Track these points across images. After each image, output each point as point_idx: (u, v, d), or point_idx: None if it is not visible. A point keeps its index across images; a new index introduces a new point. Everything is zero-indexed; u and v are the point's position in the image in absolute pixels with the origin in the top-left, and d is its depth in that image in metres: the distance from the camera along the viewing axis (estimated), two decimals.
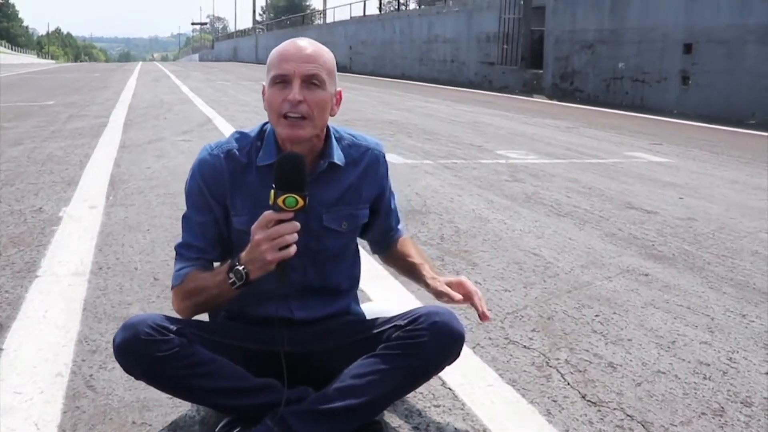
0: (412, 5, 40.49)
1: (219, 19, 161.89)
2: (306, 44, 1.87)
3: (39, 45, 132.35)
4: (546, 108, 14.12)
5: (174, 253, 1.98)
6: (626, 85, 14.83)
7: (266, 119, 1.93)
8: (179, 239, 1.96)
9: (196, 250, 1.94)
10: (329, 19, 40.58)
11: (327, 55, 1.88)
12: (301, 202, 1.73)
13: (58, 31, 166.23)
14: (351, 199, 1.98)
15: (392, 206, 2.16)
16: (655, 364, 2.49)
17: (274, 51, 1.89)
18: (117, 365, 2.33)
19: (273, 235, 1.73)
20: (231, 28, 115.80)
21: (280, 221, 1.73)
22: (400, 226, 2.23)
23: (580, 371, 2.42)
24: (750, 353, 2.62)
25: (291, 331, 1.95)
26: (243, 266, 1.79)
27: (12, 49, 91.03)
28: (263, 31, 55.62)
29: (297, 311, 1.98)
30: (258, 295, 1.92)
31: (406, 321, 1.88)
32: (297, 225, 1.75)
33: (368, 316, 2.09)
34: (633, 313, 2.99)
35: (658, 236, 4.24)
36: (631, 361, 2.52)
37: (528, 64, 18.73)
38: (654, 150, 8.13)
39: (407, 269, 2.18)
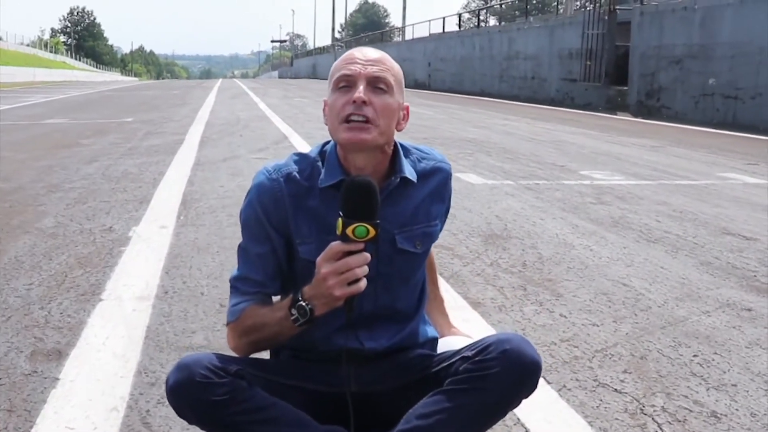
0: (492, 22, 40.23)
1: (298, 36, 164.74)
2: (372, 51, 1.74)
3: (123, 63, 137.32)
4: (631, 126, 13.65)
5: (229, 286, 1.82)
6: (717, 102, 14.22)
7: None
8: (235, 271, 1.80)
9: (254, 284, 1.77)
10: (408, 36, 40.64)
11: (394, 62, 1.75)
12: (372, 232, 1.55)
13: (141, 49, 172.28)
14: (423, 216, 1.80)
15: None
16: (765, 415, 2.21)
17: (338, 60, 1.76)
18: None
19: (341, 269, 1.57)
20: (310, 45, 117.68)
21: (349, 253, 1.57)
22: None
23: (680, 421, 2.16)
24: None
25: (358, 367, 1.77)
26: (307, 302, 1.63)
27: (97, 67, 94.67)
28: (342, 48, 56.19)
29: (367, 341, 1.79)
30: (323, 329, 1.75)
31: (474, 351, 1.66)
32: (367, 257, 1.58)
33: (441, 349, 1.89)
34: (736, 354, 2.69)
35: (760, 266, 3.90)
36: (737, 410, 2.24)
37: (612, 80, 18.22)
38: (750, 171, 7.67)
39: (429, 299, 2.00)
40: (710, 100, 14.43)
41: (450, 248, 4.13)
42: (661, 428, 2.11)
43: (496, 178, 6.86)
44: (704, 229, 4.78)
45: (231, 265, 3.67)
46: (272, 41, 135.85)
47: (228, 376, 1.64)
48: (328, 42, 71.90)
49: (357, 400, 1.73)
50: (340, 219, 1.56)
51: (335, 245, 1.57)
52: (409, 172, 1.77)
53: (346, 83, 1.67)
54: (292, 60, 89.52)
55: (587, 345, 2.75)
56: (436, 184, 1.83)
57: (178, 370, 1.64)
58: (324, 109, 1.76)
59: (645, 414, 2.20)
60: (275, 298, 1.81)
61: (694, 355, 2.67)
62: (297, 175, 1.76)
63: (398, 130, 1.74)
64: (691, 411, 2.23)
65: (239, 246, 1.80)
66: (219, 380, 1.62)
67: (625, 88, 17.46)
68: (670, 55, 15.66)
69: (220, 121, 13.11)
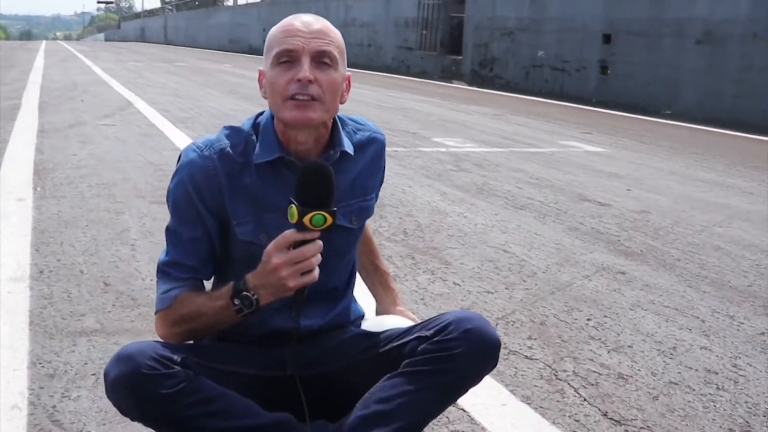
0: None
1: None
2: (312, 19, 1.61)
3: None
4: (468, 94, 14.09)
5: (156, 270, 1.67)
6: (546, 73, 14.95)
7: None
8: (163, 255, 1.65)
9: (187, 269, 1.64)
10: (241, 1, 39.61)
11: (336, 31, 1.63)
12: (329, 220, 1.48)
13: None
14: (360, 190, 1.74)
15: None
16: (664, 374, 2.37)
17: (275, 28, 1.63)
18: (82, 392, 2.07)
19: (296, 259, 1.48)
20: (137, 8, 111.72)
21: (303, 242, 1.49)
22: None
23: (592, 384, 2.27)
24: (752, 359, 2.53)
25: (295, 348, 1.71)
26: (252, 292, 1.53)
27: None
28: (172, 11, 53.93)
29: (302, 320, 1.73)
30: (260, 314, 1.67)
31: (432, 331, 1.62)
32: (321, 245, 1.50)
33: (376, 328, 1.86)
34: (623, 316, 2.87)
35: (620, 230, 4.16)
36: (639, 371, 2.39)
37: (447, 50, 18.68)
38: (586, 139, 8.15)
39: (369, 273, 2.00)
40: (539, 72, 15.14)
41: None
42: (578, 392, 2.21)
43: None
44: (562, 195, 5.04)
45: (106, 241, 3.48)
46: (98, 2, 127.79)
47: (175, 365, 1.53)
48: (156, 4, 68.68)
49: (303, 383, 1.67)
50: (294, 207, 1.47)
51: (289, 234, 1.48)
52: (348, 146, 1.71)
53: (288, 58, 1.56)
54: (119, 22, 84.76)
55: (488, 313, 2.83)
56: (372, 156, 1.77)
57: (121, 362, 1.51)
58: (260, 80, 1.65)
59: (560, 379, 2.30)
60: (207, 284, 1.71)
61: (588, 319, 2.81)
62: (230, 151, 1.63)
63: (341, 103, 1.67)
64: (600, 374, 2.35)
65: (167, 228, 1.66)
66: (166, 371, 1.51)
67: (460, 57, 17.96)
68: (503, 27, 16.25)
69: (56, 86, 12.20)
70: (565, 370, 2.36)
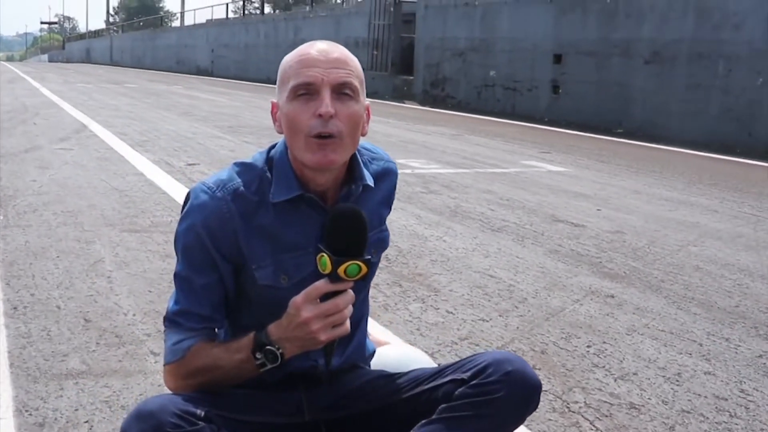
0: (267, 10, 39.88)
1: (69, 18, 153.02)
2: (329, 47, 1.50)
3: None
4: (422, 114, 14.13)
5: (163, 321, 1.54)
6: (498, 93, 15.09)
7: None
8: (173, 304, 1.52)
9: (200, 319, 1.52)
10: (188, 22, 39.21)
11: (355, 59, 1.53)
12: (364, 269, 1.38)
13: None
14: (377, 221, 1.64)
15: None
16: (675, 402, 2.34)
17: (289, 57, 1.51)
18: None
19: (328, 312, 1.38)
20: (82, 29, 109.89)
21: (335, 292, 1.39)
22: None
23: (606, 416, 2.22)
24: (757, 383, 2.52)
25: (313, 392, 1.62)
26: (276, 345, 1.43)
27: None
28: (118, 32, 53.12)
29: (320, 359, 1.63)
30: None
31: (469, 374, 1.53)
32: (353, 296, 1.41)
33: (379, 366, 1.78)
34: (622, 341, 2.84)
35: (600, 252, 4.16)
36: (649, 399, 2.35)
37: (398, 70, 18.75)
38: (546, 159, 8.20)
39: None
40: (491, 91, 15.28)
41: None
42: (594, 425, 2.16)
43: None
44: (536, 216, 5.03)
45: (79, 273, 3.33)
46: (41, 23, 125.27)
47: (199, 421, 1.41)
48: (101, 25, 67.60)
49: (326, 428, 1.58)
50: (326, 256, 1.36)
51: (321, 285, 1.38)
52: (369, 178, 1.63)
53: (306, 91, 1.45)
54: (63, 43, 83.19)
55: (487, 342, 2.77)
56: (387, 187, 1.68)
57: (142, 420, 1.38)
58: (273, 113, 1.54)
59: (572, 411, 2.24)
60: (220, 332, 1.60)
61: (588, 346, 2.77)
62: (244, 190, 1.52)
63: (363, 135, 1.56)
64: (611, 404, 2.30)
65: (176, 275, 1.53)
66: (191, 428, 1.39)
67: (411, 77, 18.04)
68: (454, 48, 16.38)
69: (6, 107, 11.83)
70: (576, 402, 2.30)
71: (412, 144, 9.01)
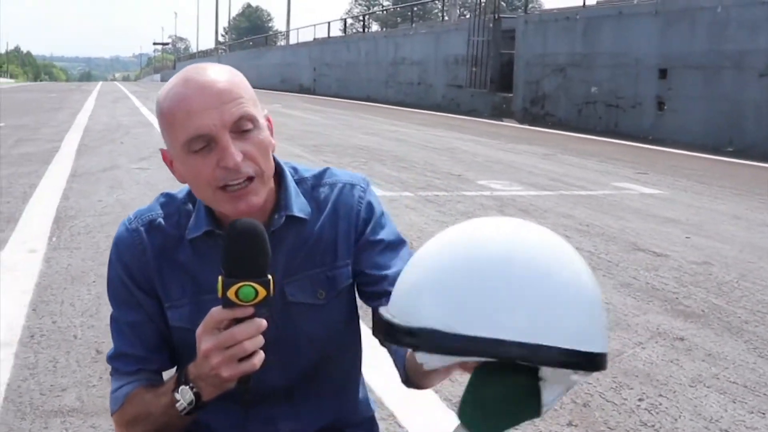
0: (375, 27, 40.32)
1: (181, 39, 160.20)
2: (206, 77, 1.23)
3: None
4: (518, 133, 13.74)
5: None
6: (599, 110, 14.53)
7: None
8: (111, 348, 1.34)
9: (134, 361, 1.33)
10: (292, 41, 40.13)
11: (239, 75, 1.28)
12: (262, 293, 1.13)
13: (17, 49, 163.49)
14: (323, 257, 1.37)
15: (401, 255, 1.39)
16: None
17: (168, 101, 1.23)
18: None
19: (226, 343, 1.14)
20: (193, 49, 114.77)
21: (237, 320, 1.14)
22: None
23: None
24: None
25: None
26: (192, 384, 1.21)
27: None
28: (225, 52, 55.03)
29: (282, 423, 1.40)
30: (224, 411, 1.36)
31: None
32: (261, 324, 1.14)
33: None
34: (682, 394, 2.47)
35: (679, 286, 3.75)
36: None
37: (497, 87, 18.40)
38: (641, 180, 7.71)
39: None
40: (593, 108, 14.73)
41: None
42: None
43: (393, 189, 6.57)
44: (614, 245, 4.64)
45: (107, 299, 3.21)
46: (154, 43, 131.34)
47: None
48: (210, 45, 70.20)
49: None
50: (220, 278, 1.14)
51: (215, 312, 1.15)
52: (299, 208, 1.35)
53: (202, 145, 1.21)
54: (174, 63, 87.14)
55: None
56: (335, 211, 1.39)
57: None
58: (166, 162, 1.29)
59: None
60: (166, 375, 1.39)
61: (639, 399, 2.42)
62: (162, 222, 1.33)
63: (273, 152, 1.29)
64: None
65: (111, 317, 1.35)
66: None
67: (510, 95, 17.66)
68: (554, 63, 15.91)
69: (100, 126, 12.27)
70: None
71: (498, 164, 8.69)
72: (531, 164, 8.74)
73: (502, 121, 16.77)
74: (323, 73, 30.66)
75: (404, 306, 0.94)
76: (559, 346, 0.85)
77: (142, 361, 1.34)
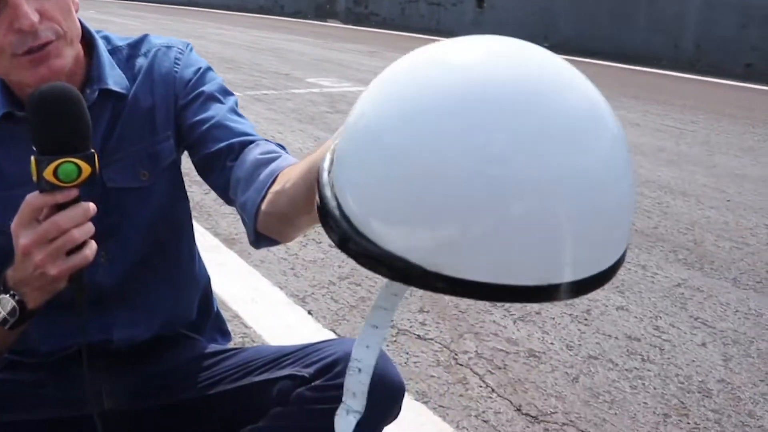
0: None
1: None
2: None
3: None
4: (343, 33, 13.49)
5: None
6: (422, 8, 14.52)
7: None
8: None
9: None
10: None
11: None
12: (86, 170, 0.93)
13: None
14: (143, 131, 1.18)
15: (231, 117, 1.19)
16: (581, 345, 2.01)
17: None
18: None
19: (49, 234, 0.93)
20: None
21: (59, 207, 0.94)
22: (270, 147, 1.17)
23: (500, 368, 1.87)
24: (673, 318, 2.21)
25: (112, 375, 1.20)
26: (13, 291, 0.99)
27: None
28: None
29: (117, 330, 1.21)
30: (53, 321, 1.15)
31: (312, 369, 1.11)
32: (89, 207, 0.95)
33: None
34: None
35: None
36: (552, 344, 2.01)
37: None
38: None
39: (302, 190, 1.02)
40: (415, 7, 14.70)
41: (185, 173, 3.52)
42: (483, 381, 1.81)
43: None
44: None
45: None
46: None
47: None
48: None
49: (117, 423, 1.18)
50: (33, 158, 0.93)
51: (32, 199, 0.94)
52: (115, 81, 1.15)
53: None
54: None
55: (371, 282, 2.38)
56: (150, 78, 1.19)
57: None
58: None
59: (460, 364, 1.88)
60: None
61: None
62: None
63: (77, 11, 1.09)
64: (507, 353, 1.95)
65: None
66: None
67: None
68: None
69: None
70: (465, 351, 1.95)
71: (326, 62, 8.47)
72: (358, 62, 8.59)
73: (326, 21, 16.42)
74: None
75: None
76: None
77: None
